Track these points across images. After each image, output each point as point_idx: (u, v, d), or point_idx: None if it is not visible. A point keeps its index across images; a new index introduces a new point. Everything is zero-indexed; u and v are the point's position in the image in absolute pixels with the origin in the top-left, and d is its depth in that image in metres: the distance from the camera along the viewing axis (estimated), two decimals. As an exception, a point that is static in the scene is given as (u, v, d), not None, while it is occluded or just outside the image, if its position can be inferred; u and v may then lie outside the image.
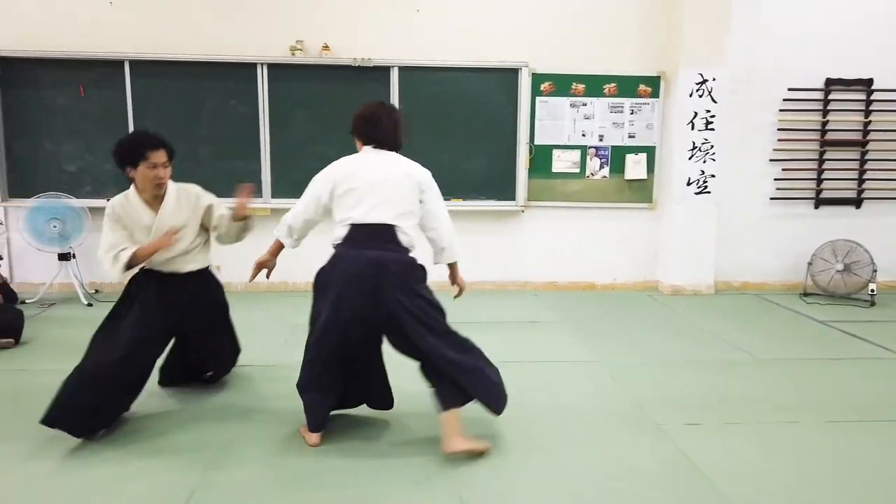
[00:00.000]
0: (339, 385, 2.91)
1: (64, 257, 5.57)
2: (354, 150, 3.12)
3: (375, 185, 2.81)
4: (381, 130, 2.94)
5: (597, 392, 3.62)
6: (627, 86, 6.05)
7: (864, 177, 6.23)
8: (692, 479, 2.63)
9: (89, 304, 5.48)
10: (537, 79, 5.97)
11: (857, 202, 6.27)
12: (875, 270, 5.79)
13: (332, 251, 2.83)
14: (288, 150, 5.87)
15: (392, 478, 2.61)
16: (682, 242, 6.07)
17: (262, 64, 5.73)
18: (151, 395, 3.39)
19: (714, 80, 5.86)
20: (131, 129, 5.67)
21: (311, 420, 2.86)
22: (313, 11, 5.81)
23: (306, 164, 5.82)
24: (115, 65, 5.64)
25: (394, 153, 2.98)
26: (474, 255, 6.18)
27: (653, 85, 6.06)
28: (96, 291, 5.90)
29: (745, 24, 5.96)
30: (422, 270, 2.89)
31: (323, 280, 2.81)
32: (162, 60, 5.67)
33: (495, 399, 2.83)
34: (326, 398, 2.88)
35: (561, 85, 6.01)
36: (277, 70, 5.76)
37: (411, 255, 2.86)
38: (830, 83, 6.11)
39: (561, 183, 6.16)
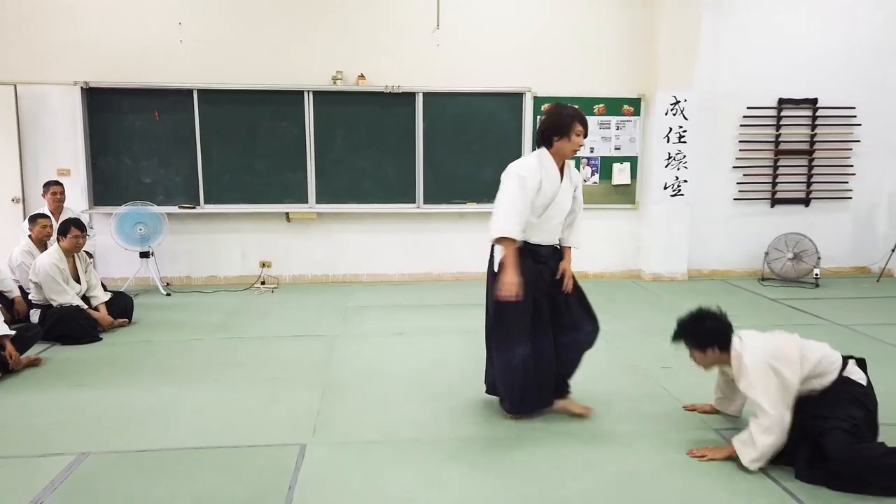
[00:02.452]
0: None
1: (145, 255, 6.62)
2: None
3: None
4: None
5: (596, 351, 4.74)
6: (614, 106, 7.21)
7: (812, 180, 7.42)
8: (664, 398, 3.79)
9: (168, 294, 6.54)
10: (538, 101, 7.10)
11: (806, 201, 7.45)
12: (819, 258, 6.99)
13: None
14: (330, 163, 6.95)
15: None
16: (661, 237, 7.22)
17: (308, 91, 6.81)
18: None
19: (685, 100, 7.01)
20: (199, 147, 6.74)
21: None
22: (351, 46, 6.89)
23: (346, 175, 6.97)
24: (185, 93, 6.69)
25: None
26: (486, 249, 7.29)
27: (635, 105, 7.22)
28: (168, 284, 6.94)
29: (711, 55, 7.11)
30: None
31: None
32: (224, 89, 6.73)
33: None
34: None
35: (558, 106, 7.15)
36: (321, 96, 6.84)
37: None
38: (782, 102, 7.30)
39: (559, 188, 7.29)
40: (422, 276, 7.31)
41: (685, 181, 7.13)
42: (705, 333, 3.08)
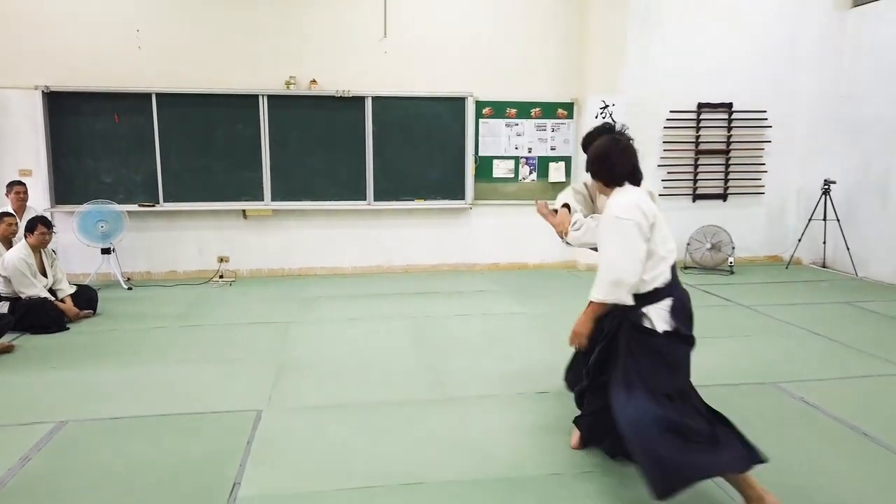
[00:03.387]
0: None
1: (106, 251, 6.94)
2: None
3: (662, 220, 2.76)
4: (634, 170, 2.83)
5: (526, 328, 5.33)
6: (549, 110, 7.81)
7: (728, 177, 8.16)
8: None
9: (129, 289, 6.88)
10: (480, 105, 7.66)
11: (723, 197, 8.19)
12: (734, 248, 7.73)
13: (656, 297, 2.69)
14: (285, 163, 7.36)
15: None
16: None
17: (262, 95, 7.22)
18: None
19: (614, 104, 7.65)
20: (158, 148, 7.09)
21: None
22: (304, 53, 7.32)
23: (300, 174, 7.40)
24: (143, 97, 7.03)
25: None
26: (434, 243, 7.87)
27: (568, 109, 7.84)
28: (129, 279, 7.26)
29: (637, 63, 7.76)
30: None
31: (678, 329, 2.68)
32: (181, 93, 7.08)
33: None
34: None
35: (498, 109, 7.72)
36: (275, 100, 7.25)
37: None
38: (701, 106, 8.01)
39: (500, 186, 7.87)
40: (373, 268, 7.80)
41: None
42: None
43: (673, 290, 2.70)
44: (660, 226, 2.71)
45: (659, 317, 2.67)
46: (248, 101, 7.21)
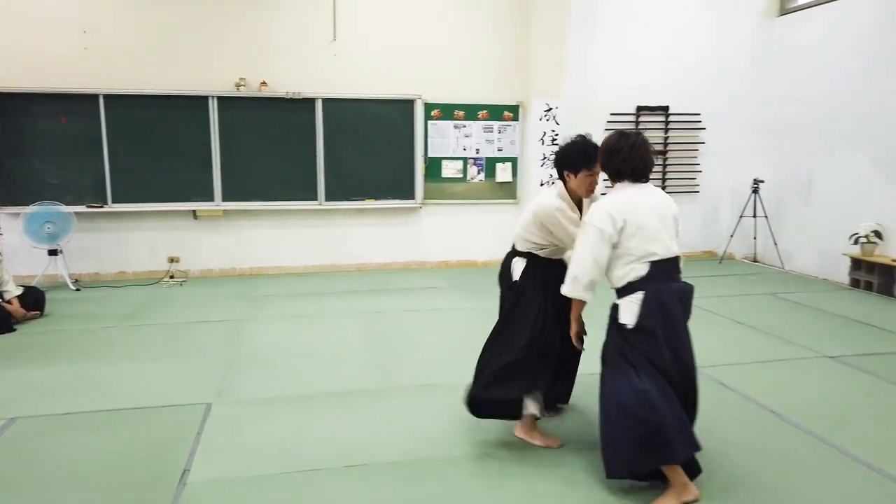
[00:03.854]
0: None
1: (53, 252, 6.89)
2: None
3: (662, 218, 2.90)
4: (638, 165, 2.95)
5: (472, 322, 5.56)
6: (496, 112, 8.07)
7: (666, 177, 8.57)
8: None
9: (77, 290, 6.86)
10: (429, 107, 7.87)
11: (662, 195, 8.59)
12: (671, 244, 8.11)
13: (630, 291, 2.82)
14: (236, 164, 7.42)
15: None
16: (539, 228, 8.13)
17: (212, 97, 7.27)
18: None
19: (557, 108, 7.95)
20: (106, 149, 7.07)
21: None
22: (254, 55, 7.39)
23: (251, 174, 7.48)
24: (91, 98, 7.01)
25: (649, 184, 3.02)
26: (385, 242, 8.05)
27: (514, 112, 8.12)
28: (77, 280, 7.22)
29: (578, 68, 8.07)
30: None
31: (644, 322, 2.78)
32: (130, 94, 7.09)
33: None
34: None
35: (446, 112, 7.95)
36: (225, 101, 7.31)
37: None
38: (640, 109, 8.39)
39: (449, 185, 8.10)
40: (325, 267, 7.93)
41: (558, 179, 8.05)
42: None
43: (648, 283, 2.79)
44: (646, 227, 2.83)
45: (628, 309, 2.83)
46: (197, 103, 7.25)
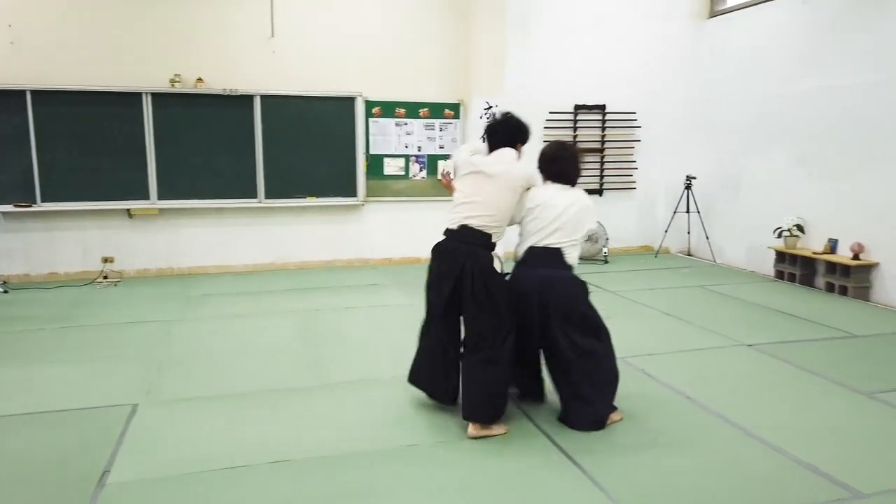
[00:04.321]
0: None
1: (-22, 254, 6.67)
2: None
3: (560, 216, 3.46)
4: (562, 170, 3.60)
5: (411, 318, 5.62)
6: (436, 110, 8.15)
7: (604, 173, 8.79)
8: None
9: (5, 292, 6.64)
10: (369, 105, 7.88)
11: (599, 192, 8.81)
12: (608, 239, 8.35)
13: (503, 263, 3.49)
14: (171, 161, 7.29)
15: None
16: (481, 224, 8.25)
17: (146, 93, 7.12)
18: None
19: (497, 105, 8.06)
20: (34, 147, 6.86)
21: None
22: (189, 51, 7.28)
23: (188, 172, 7.37)
24: (17, 94, 6.78)
25: (571, 188, 3.61)
26: (327, 239, 8.04)
27: (454, 109, 8.20)
28: (5, 282, 6.99)
29: (517, 67, 8.22)
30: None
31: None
32: (59, 90, 6.89)
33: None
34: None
35: (387, 109, 7.98)
36: (160, 98, 7.18)
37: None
38: (578, 108, 8.59)
39: (391, 183, 8.13)
40: (266, 265, 7.88)
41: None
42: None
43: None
44: (543, 208, 3.49)
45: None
46: (130, 99, 7.10)
